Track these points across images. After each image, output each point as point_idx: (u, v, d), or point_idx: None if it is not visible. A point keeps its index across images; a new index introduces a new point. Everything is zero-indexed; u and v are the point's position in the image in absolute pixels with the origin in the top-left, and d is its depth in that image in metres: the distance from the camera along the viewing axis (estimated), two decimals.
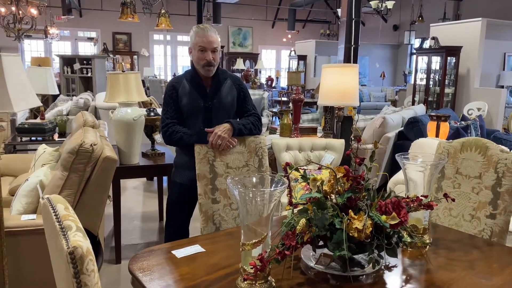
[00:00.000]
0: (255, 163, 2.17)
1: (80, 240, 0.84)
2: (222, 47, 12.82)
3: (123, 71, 7.36)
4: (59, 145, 3.45)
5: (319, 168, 1.74)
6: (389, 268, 1.51)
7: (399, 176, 3.30)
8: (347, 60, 4.49)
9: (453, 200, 1.52)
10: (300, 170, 1.59)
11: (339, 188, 1.46)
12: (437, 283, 1.41)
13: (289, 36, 15.81)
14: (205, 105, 2.28)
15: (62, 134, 4.38)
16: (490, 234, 1.88)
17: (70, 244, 0.83)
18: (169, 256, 1.59)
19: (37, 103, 2.07)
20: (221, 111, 2.31)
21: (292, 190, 2.55)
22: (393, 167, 4.67)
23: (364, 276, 1.44)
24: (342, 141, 3.43)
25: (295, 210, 1.53)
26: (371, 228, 1.33)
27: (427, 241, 1.68)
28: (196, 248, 1.66)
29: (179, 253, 1.62)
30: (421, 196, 1.57)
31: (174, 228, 2.41)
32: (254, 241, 1.31)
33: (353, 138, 4.56)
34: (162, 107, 2.34)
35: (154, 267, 1.50)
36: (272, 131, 5.91)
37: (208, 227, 2.03)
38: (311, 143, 3.42)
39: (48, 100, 7.45)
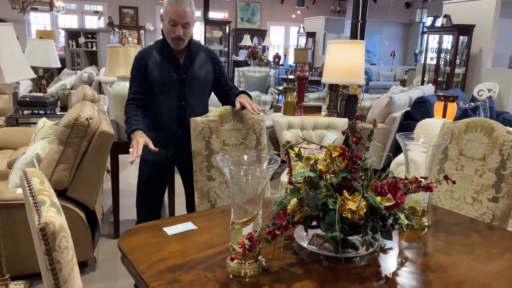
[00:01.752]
0: (252, 141, 2.12)
1: (53, 216, 0.81)
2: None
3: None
4: (60, 119, 3.42)
5: (321, 148, 1.69)
6: (384, 250, 1.47)
7: (402, 156, 3.23)
8: (353, 36, 4.38)
9: (454, 182, 1.46)
10: (301, 149, 1.53)
11: (335, 168, 1.41)
12: (432, 266, 1.36)
13: (299, 12, 15.48)
14: (179, 78, 2.08)
15: (64, 108, 4.36)
16: (491, 218, 1.83)
17: (42, 220, 0.80)
18: (160, 233, 1.56)
19: (31, 74, 2.02)
20: (195, 84, 2.12)
21: (292, 169, 2.51)
22: (398, 148, 4.59)
23: (358, 258, 1.40)
24: (345, 120, 3.36)
25: (282, 192, 1.49)
26: (365, 210, 1.28)
27: (426, 223, 1.64)
28: (188, 226, 1.63)
29: (171, 230, 1.59)
30: (421, 177, 1.52)
31: (146, 212, 2.25)
32: (244, 220, 1.27)
33: (356, 117, 4.48)
34: (129, 80, 2.15)
35: (144, 244, 1.48)
36: (276, 109, 5.84)
37: (203, 204, 2.00)
38: (314, 121, 3.36)
39: (53, 74, 7.42)
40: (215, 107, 2.12)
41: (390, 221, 1.36)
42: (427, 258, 1.43)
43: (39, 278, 2.43)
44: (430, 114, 4.45)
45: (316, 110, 4.43)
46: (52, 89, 5.37)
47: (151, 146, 1.86)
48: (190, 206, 2.29)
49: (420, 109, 4.64)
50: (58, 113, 4.24)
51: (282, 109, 4.53)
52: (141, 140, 1.86)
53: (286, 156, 1.66)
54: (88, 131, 2.29)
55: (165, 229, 1.60)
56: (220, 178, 2.05)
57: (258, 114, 2.07)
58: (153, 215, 2.19)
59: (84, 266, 2.59)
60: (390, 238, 1.34)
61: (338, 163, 1.41)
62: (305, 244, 1.45)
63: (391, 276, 1.31)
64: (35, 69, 4.07)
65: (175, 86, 2.08)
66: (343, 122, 3.29)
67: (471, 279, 1.29)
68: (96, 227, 2.56)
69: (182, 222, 1.66)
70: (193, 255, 1.40)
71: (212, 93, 2.29)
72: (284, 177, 3.12)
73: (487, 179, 1.85)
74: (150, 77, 2.06)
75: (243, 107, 2.04)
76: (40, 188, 0.88)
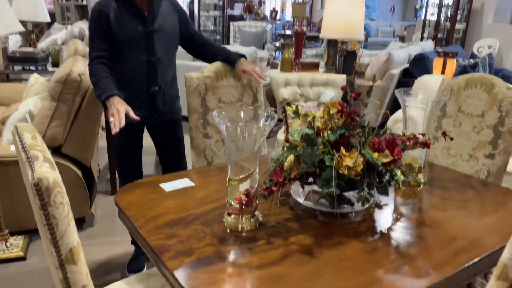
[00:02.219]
0: (249, 98, 2.09)
1: (46, 171, 0.79)
2: None
3: None
4: (52, 75, 3.35)
5: (318, 105, 1.67)
6: (379, 206, 1.49)
7: (399, 114, 3.21)
8: None
9: (452, 139, 1.45)
10: (298, 107, 1.51)
11: (333, 125, 1.39)
12: (427, 221, 1.38)
13: None
14: (145, 31, 1.88)
15: (56, 64, 4.25)
16: (487, 174, 1.84)
17: (36, 175, 0.78)
18: (157, 189, 1.57)
19: (18, 28, 1.95)
20: (164, 37, 1.93)
21: (289, 127, 2.48)
22: (396, 105, 4.57)
23: (353, 213, 1.42)
24: (344, 76, 3.30)
25: (279, 149, 1.48)
26: (362, 166, 1.28)
27: (421, 180, 1.65)
28: (185, 182, 1.63)
29: (168, 186, 1.59)
30: (419, 134, 1.51)
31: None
32: (241, 176, 1.27)
33: (355, 74, 4.42)
34: (89, 36, 1.92)
35: (141, 200, 1.48)
36: (273, 66, 5.74)
37: (199, 161, 1.99)
38: (311, 78, 3.30)
39: (43, 28, 7.19)
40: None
41: (386, 177, 1.36)
42: (422, 214, 1.45)
43: (38, 234, 2.47)
44: (429, 71, 4.39)
45: (314, 66, 4.36)
46: (43, 44, 5.21)
47: (132, 114, 1.70)
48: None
49: (419, 66, 4.57)
50: (49, 69, 4.14)
51: (279, 65, 4.45)
52: (121, 108, 1.69)
53: (283, 113, 1.63)
54: (81, 87, 2.24)
55: (162, 185, 1.60)
56: (217, 136, 2.03)
57: (265, 80, 2.01)
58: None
59: (82, 222, 2.63)
60: (386, 194, 1.35)
61: (336, 120, 1.39)
62: (301, 200, 1.46)
63: (386, 231, 1.33)
64: (23, 23, 3.94)
65: (142, 41, 1.88)
66: (341, 79, 3.24)
67: (464, 233, 1.31)
68: (92, 184, 2.57)
69: (178, 178, 1.67)
70: (190, 210, 1.41)
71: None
72: (281, 135, 3.11)
73: (484, 136, 1.85)
74: (113, 32, 1.84)
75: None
76: (32, 143, 0.86)
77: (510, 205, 1.54)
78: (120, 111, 1.67)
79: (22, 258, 2.25)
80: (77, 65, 2.39)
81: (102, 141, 3.27)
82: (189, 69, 2.27)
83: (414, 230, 1.34)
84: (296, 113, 1.41)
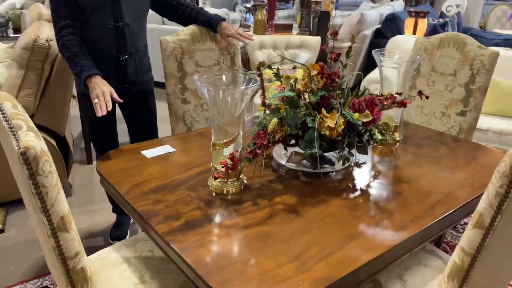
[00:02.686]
0: (227, 62, 2.06)
1: (32, 140, 0.78)
2: None
3: None
4: (14, 42, 3.18)
5: (294, 68, 1.67)
6: (358, 165, 1.54)
7: (373, 74, 3.26)
8: None
9: (427, 97, 1.50)
10: (273, 68, 1.50)
11: (313, 87, 1.40)
12: (404, 178, 1.44)
13: None
14: None
15: (17, 30, 4.03)
16: (458, 131, 1.92)
17: (21, 145, 0.76)
18: (138, 156, 1.56)
19: None
20: (132, 0, 1.80)
21: (265, 90, 2.48)
22: (368, 66, 4.62)
23: (334, 172, 1.46)
24: (318, 38, 3.29)
25: (260, 113, 1.49)
26: (343, 126, 1.31)
27: (397, 138, 1.70)
28: (166, 148, 1.63)
29: (149, 153, 1.58)
30: (396, 93, 1.54)
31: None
32: (225, 140, 1.28)
33: (329, 36, 4.40)
34: (50, 4, 1.74)
35: (123, 167, 1.47)
36: (245, 28, 5.63)
37: (178, 127, 1.98)
38: (286, 41, 3.28)
39: None
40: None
41: (365, 137, 1.40)
42: (398, 171, 1.51)
43: (15, 206, 2.42)
44: (400, 31, 4.43)
45: (287, 28, 4.31)
46: (0, 8, 4.91)
47: (115, 95, 1.63)
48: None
49: (390, 26, 4.60)
50: (11, 35, 3.93)
51: (251, 28, 4.38)
52: (106, 89, 1.61)
53: (259, 77, 1.63)
54: (49, 53, 2.15)
55: (143, 152, 1.59)
56: (195, 101, 2.01)
57: (252, 40, 1.97)
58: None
59: None
60: (365, 152, 1.39)
61: (316, 82, 1.40)
62: (283, 161, 1.49)
63: (365, 188, 1.38)
64: None
65: (108, 5, 1.75)
66: (316, 41, 3.23)
67: (439, 188, 1.38)
68: (68, 154, 2.52)
69: (159, 145, 1.66)
70: (175, 176, 1.41)
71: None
72: (257, 99, 3.11)
73: (456, 94, 1.91)
74: None
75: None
76: (13, 112, 0.83)
77: (480, 159, 1.63)
78: (105, 93, 1.59)
79: (1, 231, 2.22)
80: (43, 30, 2.28)
81: (74, 109, 3.19)
82: (160, 34, 2.19)
83: (392, 186, 1.40)
84: (277, 75, 1.42)
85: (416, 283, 1.21)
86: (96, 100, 1.58)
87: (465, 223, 2.41)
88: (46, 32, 2.22)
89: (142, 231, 1.27)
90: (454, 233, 2.31)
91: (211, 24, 1.96)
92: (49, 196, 0.80)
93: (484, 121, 2.68)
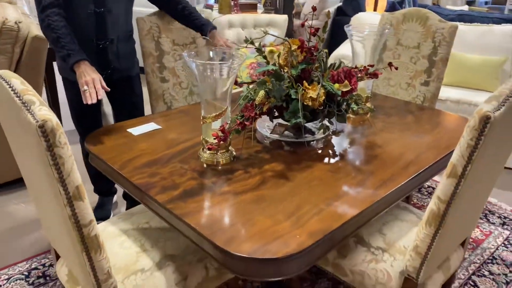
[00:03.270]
0: (202, 40, 2.10)
1: (47, 114, 0.81)
2: None
3: None
4: None
5: (263, 46, 1.73)
6: (336, 133, 1.65)
7: (339, 51, 3.38)
8: None
9: (396, 68, 1.62)
10: (245, 49, 1.57)
11: (293, 61, 1.48)
12: (378, 143, 1.57)
13: None
14: None
15: None
16: (422, 100, 2.07)
17: (39, 118, 0.80)
18: (125, 134, 1.60)
19: None
20: None
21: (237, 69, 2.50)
22: (332, 44, 4.74)
23: (315, 141, 1.56)
24: (285, 16, 3.36)
25: (243, 88, 1.55)
26: (324, 97, 1.41)
27: (370, 108, 1.83)
28: (152, 126, 1.67)
29: (135, 131, 1.62)
30: (368, 65, 1.65)
31: (87, 130, 1.81)
32: (214, 114, 1.34)
33: (294, 14, 4.48)
34: None
35: (113, 145, 1.51)
36: (208, 7, 5.59)
37: (159, 106, 2.02)
38: (254, 19, 3.33)
39: None
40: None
41: (344, 106, 1.51)
42: (372, 137, 1.63)
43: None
44: (361, 8, 4.57)
45: (252, 7, 4.35)
46: None
47: (104, 84, 1.60)
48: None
49: (351, 4, 4.73)
50: None
51: (215, 8, 4.37)
52: (96, 77, 1.58)
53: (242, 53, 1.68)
54: (19, 36, 2.10)
55: (129, 130, 1.63)
56: (174, 80, 2.05)
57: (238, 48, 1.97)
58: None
59: None
60: (344, 121, 1.50)
61: (296, 56, 1.49)
62: (267, 133, 1.57)
63: (344, 153, 1.49)
64: None
65: None
66: (283, 19, 3.30)
67: (410, 150, 1.51)
68: None
69: (143, 123, 1.70)
70: (165, 151, 1.47)
71: None
72: None
73: (420, 65, 2.05)
74: None
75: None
76: (23, 88, 0.86)
77: (444, 124, 1.78)
78: (95, 81, 1.57)
79: None
80: (8, 12, 2.22)
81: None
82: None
83: (368, 150, 1.52)
84: (259, 50, 1.49)
85: (394, 235, 1.35)
86: (85, 87, 1.55)
87: (429, 186, 2.61)
88: (12, 14, 2.17)
89: (127, 208, 1.32)
90: (420, 196, 2.51)
91: (202, 30, 1.93)
92: (65, 166, 0.85)
93: (443, 92, 2.87)
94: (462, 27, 3.20)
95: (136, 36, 1.92)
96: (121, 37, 1.84)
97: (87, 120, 1.96)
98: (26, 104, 0.83)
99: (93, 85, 1.56)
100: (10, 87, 0.85)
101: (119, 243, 1.29)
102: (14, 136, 0.99)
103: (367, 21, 3.22)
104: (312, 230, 1.06)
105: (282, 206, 1.16)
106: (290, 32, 3.49)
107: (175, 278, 1.21)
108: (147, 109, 2.04)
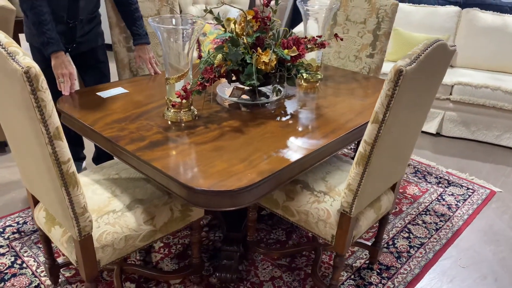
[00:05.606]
0: (166, 12, 2.22)
1: (31, 62, 0.95)
2: None
3: None
4: None
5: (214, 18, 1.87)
6: (289, 97, 1.84)
7: (297, 29, 3.57)
8: None
9: (342, 39, 1.82)
10: (208, 25, 1.71)
11: (249, 30, 1.65)
12: (325, 105, 1.77)
13: None
14: None
15: None
16: (368, 71, 2.30)
17: (24, 65, 0.94)
18: (94, 97, 1.72)
19: None
20: None
21: (200, 44, 2.65)
22: (293, 23, 4.92)
23: (269, 103, 1.75)
24: None
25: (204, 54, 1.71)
26: (275, 62, 1.59)
27: (319, 76, 2.03)
28: (119, 90, 1.81)
29: (104, 94, 1.75)
30: (316, 36, 1.85)
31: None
32: (177, 75, 1.50)
33: None
34: None
35: (83, 105, 1.64)
36: None
37: (125, 75, 2.13)
38: None
39: None
40: None
41: (293, 71, 1.70)
42: (321, 100, 1.84)
43: None
44: None
45: None
46: None
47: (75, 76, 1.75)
48: None
49: None
50: None
51: None
52: (73, 71, 1.73)
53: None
54: None
55: (98, 93, 1.76)
56: None
57: (158, 74, 2.04)
58: None
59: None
60: (294, 84, 1.69)
61: (251, 26, 1.65)
62: (226, 96, 1.74)
63: (295, 113, 1.69)
64: None
65: None
66: None
67: (352, 110, 1.73)
68: None
69: (111, 88, 1.83)
70: (132, 110, 1.61)
71: None
72: (194, 53, 3.28)
73: (366, 39, 2.27)
74: None
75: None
76: (8, 41, 0.99)
77: None
78: (72, 75, 1.73)
79: None
80: None
81: None
82: None
83: (316, 111, 1.72)
84: (218, 19, 1.64)
85: (335, 181, 1.57)
86: (61, 79, 1.71)
87: None
88: None
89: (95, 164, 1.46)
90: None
91: (134, 39, 2.03)
92: (47, 109, 0.99)
93: (389, 67, 3.12)
94: (410, 7, 3.46)
95: (103, 8, 2.03)
96: (89, 16, 1.96)
97: (52, 85, 2.03)
98: (11, 54, 0.96)
99: (68, 78, 1.72)
100: None
101: (92, 190, 1.44)
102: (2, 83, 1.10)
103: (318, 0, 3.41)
104: (262, 170, 1.25)
105: (237, 153, 1.34)
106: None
107: (144, 217, 1.37)
108: (115, 79, 2.15)
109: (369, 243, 1.87)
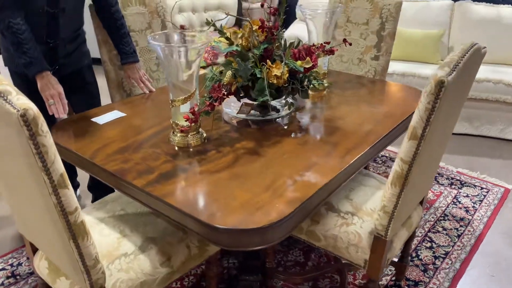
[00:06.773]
0: (158, 25, 2.08)
1: (27, 103, 0.81)
2: None
3: None
4: None
5: (215, 30, 1.74)
6: (299, 109, 1.72)
7: (290, 31, 3.46)
8: None
9: (350, 44, 1.71)
10: (198, 33, 1.58)
11: (255, 41, 1.52)
12: (338, 115, 1.66)
13: None
14: None
15: None
16: (374, 74, 2.19)
17: (19, 107, 0.79)
18: (90, 124, 1.57)
19: None
20: None
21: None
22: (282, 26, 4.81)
23: (280, 118, 1.63)
24: None
25: (206, 70, 1.58)
26: (287, 74, 1.47)
27: (327, 84, 1.91)
28: (116, 114, 1.66)
29: (100, 119, 1.60)
30: (324, 43, 1.73)
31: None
32: (183, 97, 1.36)
33: None
34: None
35: (79, 135, 1.49)
36: None
37: (118, 94, 1.98)
38: (204, 3, 3.31)
39: None
40: None
41: (306, 82, 1.58)
42: (332, 110, 1.72)
43: None
44: None
45: None
46: None
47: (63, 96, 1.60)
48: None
49: None
50: None
51: None
52: (61, 91, 1.59)
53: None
54: None
55: (94, 119, 1.61)
56: None
57: (153, 91, 1.91)
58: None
59: None
60: (307, 96, 1.58)
61: (257, 36, 1.53)
62: (234, 113, 1.61)
63: (309, 127, 1.57)
64: None
65: None
66: (232, 2, 3.31)
67: (369, 119, 1.62)
68: None
69: (107, 111, 1.68)
70: (134, 137, 1.47)
71: None
72: None
73: (370, 41, 2.17)
74: None
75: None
76: None
77: (396, 94, 1.91)
78: (61, 95, 1.59)
79: None
80: None
81: None
82: None
83: (330, 123, 1.61)
84: (222, 32, 1.51)
85: (360, 199, 1.45)
86: (51, 101, 1.57)
87: (383, 156, 2.78)
88: None
89: (93, 201, 1.32)
90: (375, 165, 2.66)
91: (121, 57, 1.88)
92: (49, 155, 0.85)
93: (390, 66, 3.04)
94: (406, 4, 3.37)
95: (89, 25, 1.88)
96: (72, 35, 1.80)
97: (42, 110, 1.86)
98: (2, 94, 0.82)
99: (58, 99, 1.58)
100: None
101: (98, 231, 1.29)
102: None
103: (314, 1, 3.31)
104: (290, 199, 1.13)
105: (258, 180, 1.22)
106: (240, 15, 3.51)
107: (159, 259, 1.24)
108: (107, 99, 2.00)
109: (395, 259, 1.77)
